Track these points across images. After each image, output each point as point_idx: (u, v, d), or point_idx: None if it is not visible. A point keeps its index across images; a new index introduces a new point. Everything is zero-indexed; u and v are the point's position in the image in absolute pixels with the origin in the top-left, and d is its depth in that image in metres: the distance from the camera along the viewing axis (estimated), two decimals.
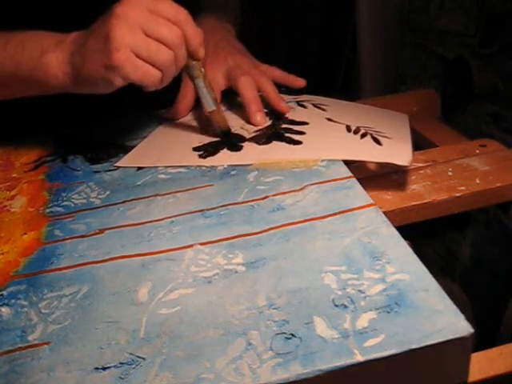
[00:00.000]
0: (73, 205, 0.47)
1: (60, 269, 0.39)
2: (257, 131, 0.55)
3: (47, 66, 0.49)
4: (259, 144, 0.53)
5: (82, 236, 0.42)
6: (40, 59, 0.49)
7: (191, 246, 0.39)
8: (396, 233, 0.38)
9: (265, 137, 0.54)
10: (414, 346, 0.28)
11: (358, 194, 0.43)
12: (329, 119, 0.57)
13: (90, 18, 0.48)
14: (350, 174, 0.46)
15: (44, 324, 0.34)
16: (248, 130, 0.56)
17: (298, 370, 0.28)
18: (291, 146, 0.51)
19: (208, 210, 0.43)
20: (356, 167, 0.49)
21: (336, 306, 0.32)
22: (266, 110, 0.58)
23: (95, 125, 0.65)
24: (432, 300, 0.31)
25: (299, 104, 0.61)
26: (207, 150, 0.53)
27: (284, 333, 0.30)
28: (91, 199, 0.48)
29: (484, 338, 0.47)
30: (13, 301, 0.36)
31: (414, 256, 0.35)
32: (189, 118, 0.61)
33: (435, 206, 0.47)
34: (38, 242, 0.42)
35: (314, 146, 0.51)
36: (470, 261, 0.65)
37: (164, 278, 0.36)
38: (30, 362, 0.31)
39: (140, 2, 0.46)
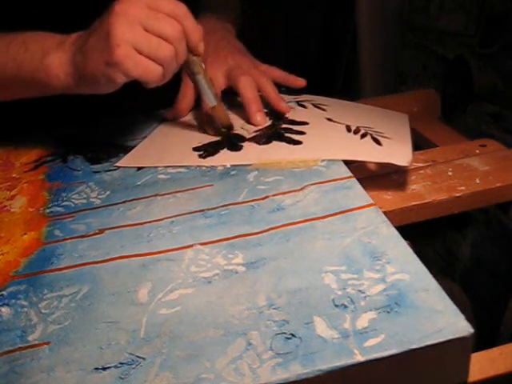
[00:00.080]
0: (73, 205, 0.47)
1: (60, 269, 0.39)
2: (257, 131, 0.55)
3: (49, 68, 0.49)
4: (259, 144, 0.53)
5: (82, 236, 0.42)
6: (42, 60, 0.49)
7: (191, 246, 0.39)
8: (396, 233, 0.38)
9: (265, 137, 0.54)
10: (414, 346, 0.28)
11: (358, 193, 0.43)
12: (329, 119, 0.57)
13: (90, 18, 0.48)
14: (350, 173, 0.46)
15: (44, 324, 0.34)
16: (248, 130, 0.56)
17: (297, 369, 0.28)
18: (291, 146, 0.51)
19: (208, 210, 0.43)
20: (356, 167, 0.49)
21: (336, 306, 0.32)
22: (266, 110, 0.58)
23: (95, 125, 0.65)
24: (432, 300, 0.31)
25: (299, 104, 0.61)
26: (207, 150, 0.53)
27: (284, 333, 0.30)
28: (91, 199, 0.48)
29: (484, 338, 0.47)
30: (13, 301, 0.36)
31: (414, 256, 0.35)
32: (189, 118, 0.61)
33: (435, 206, 0.47)
34: (38, 242, 0.42)
35: (314, 146, 0.51)
36: (470, 261, 0.65)
37: (164, 279, 0.36)
38: (30, 362, 0.31)
39: None
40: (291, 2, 1.18)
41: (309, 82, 0.63)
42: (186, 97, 0.60)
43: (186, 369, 0.29)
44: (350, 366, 0.28)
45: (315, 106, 0.61)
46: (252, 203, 0.43)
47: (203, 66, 0.53)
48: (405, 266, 0.34)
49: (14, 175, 0.54)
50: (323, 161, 0.48)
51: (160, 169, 0.51)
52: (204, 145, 0.54)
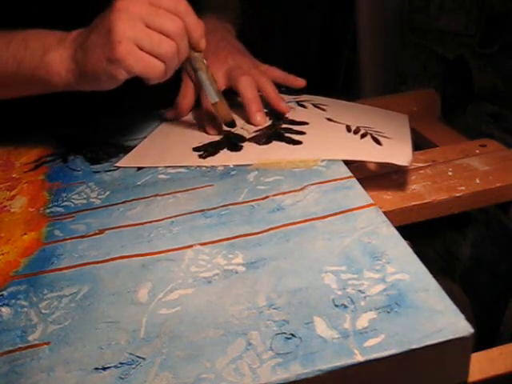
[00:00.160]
0: (73, 205, 0.47)
1: (60, 269, 0.39)
2: (257, 131, 0.55)
3: (49, 65, 0.49)
4: (259, 144, 0.53)
5: (82, 236, 0.42)
6: (42, 58, 0.49)
7: (191, 246, 0.39)
8: (396, 233, 0.38)
9: (265, 137, 0.54)
10: (414, 346, 0.28)
11: (358, 193, 0.43)
12: (329, 119, 0.57)
13: (90, 15, 0.48)
14: (350, 173, 0.46)
15: (44, 324, 0.34)
16: (248, 130, 0.56)
17: (298, 369, 0.28)
18: (291, 146, 0.51)
19: (208, 210, 0.43)
20: (356, 167, 0.49)
21: (336, 305, 0.32)
22: (266, 110, 0.58)
23: (95, 125, 0.65)
24: (432, 300, 0.31)
25: (299, 104, 0.61)
26: (207, 150, 0.53)
27: (284, 333, 0.30)
28: (91, 199, 0.48)
29: (484, 338, 0.47)
30: (13, 301, 0.36)
31: (414, 256, 0.35)
32: (189, 118, 0.61)
33: (435, 206, 0.47)
34: (38, 242, 0.42)
35: (314, 146, 0.51)
36: (470, 261, 0.65)
37: (164, 279, 0.36)
38: (30, 362, 0.31)
39: None
40: (291, 1, 1.18)
41: (309, 82, 0.63)
42: (187, 97, 0.60)
43: (185, 369, 0.29)
44: (350, 365, 0.28)
45: (315, 106, 0.61)
46: (252, 203, 0.43)
47: (205, 62, 0.53)
48: (405, 266, 0.34)
49: (14, 175, 0.54)
50: (323, 161, 0.48)
51: (160, 169, 0.51)
52: (204, 145, 0.54)
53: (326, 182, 0.45)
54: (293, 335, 0.30)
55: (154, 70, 0.46)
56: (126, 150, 0.56)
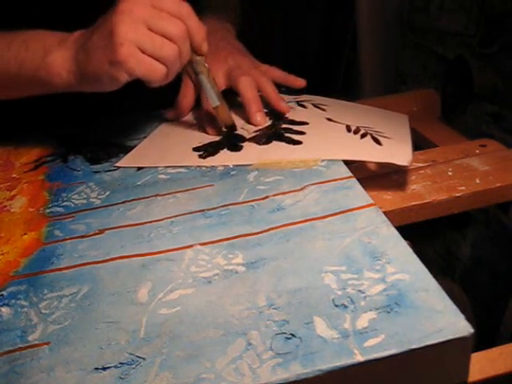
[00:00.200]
0: (73, 205, 0.47)
1: (60, 269, 0.39)
2: (257, 131, 0.55)
3: (51, 65, 0.49)
4: (259, 144, 0.53)
5: (82, 236, 0.42)
6: (43, 58, 0.49)
7: (191, 246, 0.39)
8: (396, 233, 0.38)
9: (265, 137, 0.54)
10: (414, 346, 0.28)
11: (358, 193, 0.43)
12: (329, 119, 0.57)
13: (91, 17, 0.48)
14: (350, 173, 0.46)
15: (44, 324, 0.34)
16: (248, 130, 0.56)
17: (298, 370, 0.28)
18: (291, 146, 0.51)
19: (208, 210, 0.43)
20: (356, 167, 0.49)
21: (336, 306, 0.32)
22: (266, 110, 0.58)
23: (95, 125, 0.65)
24: (432, 300, 0.31)
25: (299, 104, 0.61)
26: (207, 150, 0.53)
27: (284, 333, 0.30)
28: (91, 199, 0.48)
29: (484, 338, 0.47)
30: (13, 301, 0.36)
31: (414, 256, 0.35)
32: (189, 118, 0.61)
33: (435, 206, 0.47)
34: (38, 242, 0.42)
35: (314, 146, 0.51)
36: (470, 261, 0.65)
37: (164, 279, 0.36)
38: (30, 362, 0.31)
39: None
40: (291, 1, 1.18)
41: (309, 82, 0.63)
42: (187, 97, 0.60)
43: (185, 369, 0.29)
44: (350, 365, 0.28)
45: (315, 105, 0.61)
46: (252, 203, 0.43)
47: (206, 65, 0.53)
48: (405, 266, 0.34)
49: (14, 175, 0.54)
50: (323, 161, 0.48)
51: (160, 169, 0.51)
52: (204, 145, 0.54)
53: (326, 182, 0.45)
54: (293, 335, 0.30)
55: (155, 72, 0.46)
56: (126, 150, 0.56)
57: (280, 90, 0.60)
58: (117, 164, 0.53)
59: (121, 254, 0.39)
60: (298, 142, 0.52)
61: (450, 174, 0.50)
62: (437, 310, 0.30)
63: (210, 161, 0.51)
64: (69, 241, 0.42)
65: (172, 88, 0.54)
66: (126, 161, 0.54)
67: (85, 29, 0.49)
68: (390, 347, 0.28)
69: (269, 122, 0.57)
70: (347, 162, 0.48)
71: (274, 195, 0.44)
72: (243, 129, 0.56)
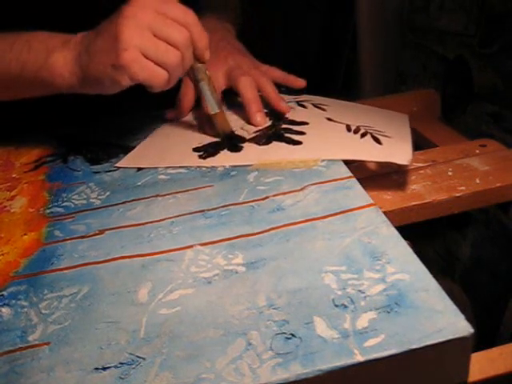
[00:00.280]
0: (73, 205, 0.47)
1: (60, 269, 0.39)
2: (257, 132, 0.55)
3: (53, 66, 0.49)
4: (259, 144, 0.53)
5: (82, 237, 0.42)
6: (46, 59, 0.49)
7: (191, 246, 0.39)
8: (396, 233, 0.38)
9: (265, 137, 0.54)
10: (414, 346, 0.28)
11: (358, 193, 0.43)
12: (329, 119, 0.57)
13: (93, 19, 0.48)
14: (350, 173, 0.46)
15: (44, 324, 0.34)
16: (248, 131, 0.56)
17: (298, 370, 0.28)
18: (291, 146, 0.51)
19: (208, 210, 0.43)
20: (356, 167, 0.49)
21: (336, 305, 0.32)
22: (266, 110, 0.58)
23: (95, 125, 0.65)
24: (432, 300, 0.31)
25: (299, 104, 0.61)
26: (207, 151, 0.53)
27: (284, 333, 0.30)
28: (91, 200, 0.48)
29: (484, 338, 0.47)
30: (13, 301, 0.36)
31: (414, 256, 0.35)
32: (189, 119, 0.61)
33: (435, 206, 0.47)
34: (38, 242, 0.42)
35: (314, 146, 0.51)
36: (470, 261, 0.65)
37: (164, 279, 0.36)
38: (30, 363, 0.31)
39: (148, 3, 0.46)
40: (291, 1, 1.18)
41: (309, 82, 0.63)
42: (187, 97, 0.60)
43: (185, 369, 0.29)
44: (350, 365, 0.28)
45: (315, 105, 0.61)
46: (252, 203, 0.43)
47: (207, 73, 0.53)
48: (405, 266, 0.34)
49: (14, 175, 0.54)
50: (323, 161, 0.48)
51: (160, 169, 0.51)
52: (204, 145, 0.54)
53: (326, 182, 0.45)
54: (293, 335, 0.30)
55: (157, 78, 0.46)
56: (126, 150, 0.56)
57: (280, 90, 0.60)
58: (117, 164, 0.54)
59: (121, 255, 0.39)
60: (298, 142, 0.52)
61: (449, 174, 0.50)
62: (437, 310, 0.30)
63: (210, 161, 0.51)
64: (69, 241, 0.42)
65: (172, 88, 0.54)
66: (126, 161, 0.54)
67: (87, 30, 0.49)
68: (389, 347, 0.28)
69: (269, 123, 0.57)
70: (347, 162, 0.48)
71: (274, 195, 0.44)
72: (243, 129, 0.56)
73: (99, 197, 0.48)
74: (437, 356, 0.29)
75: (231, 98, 0.61)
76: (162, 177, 0.50)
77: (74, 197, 0.48)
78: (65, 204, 0.47)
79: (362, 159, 0.49)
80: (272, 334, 0.30)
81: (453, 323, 0.29)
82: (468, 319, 0.29)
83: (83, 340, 0.32)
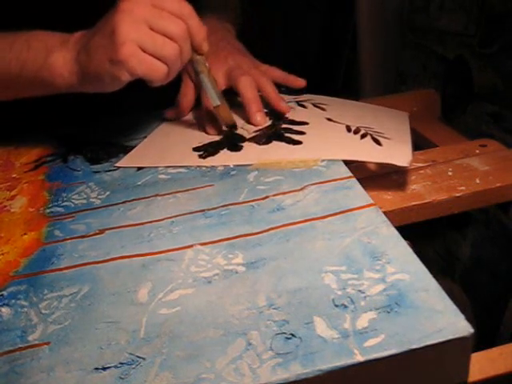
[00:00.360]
0: (73, 205, 0.47)
1: (60, 269, 0.39)
2: (257, 131, 0.55)
3: (53, 66, 0.49)
4: (259, 144, 0.53)
5: (82, 236, 0.42)
6: (45, 59, 0.49)
7: (191, 246, 0.39)
8: (396, 233, 0.38)
9: (265, 137, 0.54)
10: (414, 346, 0.28)
11: (358, 193, 0.43)
12: (329, 119, 0.57)
13: (91, 18, 0.48)
14: (350, 173, 0.46)
15: (44, 324, 0.34)
16: (248, 130, 0.56)
17: (298, 370, 0.28)
18: (291, 146, 0.51)
19: (208, 210, 0.43)
20: (356, 167, 0.49)
21: (336, 305, 0.32)
22: (266, 110, 0.58)
23: (95, 125, 0.65)
24: (432, 300, 0.31)
25: (299, 104, 0.61)
26: (207, 150, 0.53)
27: (284, 333, 0.30)
28: (91, 199, 0.48)
29: (484, 338, 0.47)
30: (13, 301, 0.36)
31: (414, 256, 0.35)
32: (189, 118, 0.61)
33: (435, 206, 0.47)
34: (38, 242, 0.42)
35: (314, 146, 0.51)
36: (470, 261, 0.65)
37: (164, 279, 0.36)
38: (30, 362, 0.31)
39: None
40: (291, 1, 1.18)
41: (309, 82, 0.63)
42: (187, 96, 0.60)
43: (185, 369, 0.29)
44: (350, 365, 0.28)
45: (315, 105, 0.61)
46: (252, 203, 0.43)
47: (207, 65, 0.53)
48: (405, 266, 0.34)
49: (14, 175, 0.54)
50: (323, 161, 0.48)
51: (160, 169, 0.51)
52: (204, 145, 0.54)
53: (326, 181, 0.45)
54: (293, 335, 0.30)
55: (156, 72, 0.46)
56: (126, 150, 0.56)
57: (280, 90, 0.60)
58: (117, 164, 0.53)
59: (121, 254, 0.39)
60: (298, 142, 0.52)
61: (449, 174, 0.50)
62: (437, 310, 0.30)
63: (210, 161, 0.51)
64: (69, 241, 0.42)
65: (172, 88, 0.54)
66: (126, 161, 0.54)
67: (85, 30, 0.49)
68: (389, 347, 0.28)
69: (269, 122, 0.57)
70: (347, 162, 0.48)
71: (274, 195, 0.44)
72: (243, 129, 0.56)
73: (99, 196, 0.48)
74: (437, 356, 0.29)
75: (231, 97, 0.61)
76: (162, 176, 0.50)
77: (73, 196, 0.48)
78: (65, 204, 0.47)
79: (361, 160, 0.49)
80: (272, 334, 0.30)
81: (453, 323, 0.29)
82: (468, 319, 0.29)
83: (83, 340, 0.32)
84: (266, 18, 1.15)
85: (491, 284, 0.62)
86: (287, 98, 0.62)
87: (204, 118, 0.58)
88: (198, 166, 0.50)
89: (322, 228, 0.39)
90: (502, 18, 0.59)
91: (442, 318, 0.30)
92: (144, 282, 0.36)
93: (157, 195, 0.47)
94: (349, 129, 0.54)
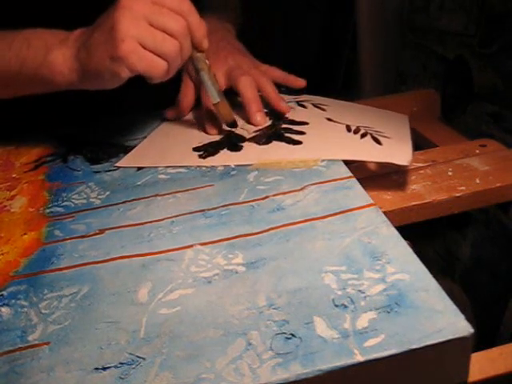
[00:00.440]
0: (73, 205, 0.47)
1: (60, 269, 0.39)
2: (257, 131, 0.55)
3: (52, 64, 0.49)
4: (259, 144, 0.53)
5: (82, 236, 0.42)
6: (45, 57, 0.49)
7: (191, 246, 0.39)
8: (396, 233, 0.38)
9: (265, 137, 0.54)
10: (414, 346, 0.28)
11: (358, 194, 0.43)
12: (329, 119, 0.57)
13: (91, 15, 0.48)
14: (350, 173, 0.46)
15: (44, 324, 0.34)
16: (248, 130, 0.56)
17: (298, 369, 0.28)
18: (291, 146, 0.51)
19: (208, 210, 0.43)
20: (356, 167, 0.49)
21: (336, 306, 0.32)
22: (266, 110, 0.58)
23: (95, 125, 0.65)
24: (432, 300, 0.31)
25: (299, 104, 0.61)
26: (207, 150, 0.53)
27: (284, 333, 0.30)
28: (91, 199, 0.48)
29: (484, 338, 0.47)
30: (13, 301, 0.36)
31: (414, 256, 0.35)
32: (189, 118, 0.61)
33: (435, 206, 0.47)
34: (38, 242, 0.42)
35: (314, 146, 0.51)
36: (470, 261, 0.65)
37: (164, 279, 0.36)
38: (30, 362, 0.31)
39: None
40: (291, 1, 1.18)
41: (309, 82, 0.63)
42: (187, 96, 0.60)
43: (185, 369, 0.29)
44: (350, 365, 0.28)
45: (315, 105, 0.61)
46: (252, 203, 0.43)
47: (207, 62, 0.53)
48: (405, 266, 0.34)
49: (14, 175, 0.54)
50: (323, 161, 0.48)
51: (160, 169, 0.51)
52: (204, 145, 0.54)
53: (326, 182, 0.45)
54: (293, 335, 0.30)
55: (156, 68, 0.46)
56: (126, 149, 0.56)
57: (280, 90, 0.61)
58: (117, 164, 0.53)
59: (121, 254, 0.39)
60: (298, 142, 0.52)
61: (449, 174, 0.50)
62: (437, 310, 0.30)
63: (210, 161, 0.51)
64: (69, 241, 0.42)
65: (172, 87, 0.54)
66: (126, 161, 0.54)
67: (85, 27, 0.49)
68: (389, 347, 0.28)
69: (269, 122, 0.57)
70: (347, 162, 0.48)
71: (274, 195, 0.44)
72: (243, 129, 0.56)
73: (99, 196, 0.48)
74: (437, 356, 0.29)
75: (231, 97, 0.61)
76: (162, 176, 0.50)
77: (73, 196, 0.48)
78: (65, 204, 0.47)
79: (361, 159, 0.49)
80: (272, 334, 0.30)
81: (453, 323, 0.29)
82: (468, 319, 0.29)
83: (83, 340, 0.32)
84: (265, 18, 1.15)
85: (491, 284, 0.62)
86: (287, 97, 0.62)
87: (204, 118, 0.58)
88: (198, 166, 0.50)
89: (321, 228, 0.39)
90: (502, 18, 0.59)
91: (441, 318, 0.30)
92: (144, 282, 0.36)
93: (157, 195, 0.47)
94: (349, 128, 0.54)
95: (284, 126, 0.56)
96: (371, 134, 0.52)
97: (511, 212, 0.57)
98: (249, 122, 0.57)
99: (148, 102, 0.61)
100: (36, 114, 0.62)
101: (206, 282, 0.35)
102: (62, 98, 0.52)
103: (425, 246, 0.72)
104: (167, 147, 0.55)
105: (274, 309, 0.32)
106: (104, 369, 0.30)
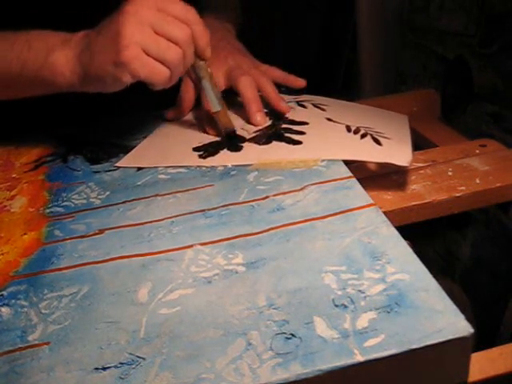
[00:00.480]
0: (73, 205, 0.47)
1: (60, 269, 0.39)
2: (257, 131, 0.55)
3: (54, 65, 0.49)
4: (259, 144, 0.53)
5: (82, 236, 0.42)
6: (46, 58, 0.49)
7: (191, 246, 0.39)
8: (396, 233, 0.38)
9: (265, 137, 0.54)
10: (414, 346, 0.28)
11: (358, 193, 0.43)
12: (329, 119, 0.57)
13: (94, 18, 0.48)
14: (350, 173, 0.46)
15: (44, 324, 0.34)
16: (248, 130, 0.56)
17: (298, 370, 0.28)
18: (291, 146, 0.51)
19: (208, 210, 0.43)
20: (356, 167, 0.49)
21: (336, 305, 0.32)
22: (266, 110, 0.58)
23: (95, 125, 0.65)
24: (432, 300, 0.31)
25: (299, 104, 0.61)
26: (207, 150, 0.53)
27: (284, 333, 0.30)
28: (91, 199, 0.48)
29: (484, 338, 0.47)
30: (13, 301, 0.36)
31: (414, 256, 0.35)
32: (189, 118, 0.61)
33: (435, 206, 0.47)
34: (38, 242, 0.42)
35: (314, 146, 0.51)
36: (470, 261, 0.65)
37: (164, 279, 0.36)
38: (30, 362, 0.31)
39: (149, 0, 0.46)
40: (291, 1, 1.18)
41: (309, 82, 0.63)
42: (187, 96, 0.60)
43: (185, 369, 0.29)
44: (350, 365, 0.28)
45: (315, 105, 0.61)
46: (252, 203, 0.43)
47: (209, 70, 0.53)
48: (405, 266, 0.34)
49: (14, 175, 0.54)
50: (323, 161, 0.48)
51: (160, 169, 0.51)
52: (204, 145, 0.54)
53: (326, 181, 0.45)
54: (293, 335, 0.30)
55: (159, 75, 0.46)
56: (126, 150, 0.56)
57: (280, 90, 0.60)
58: (117, 164, 0.53)
59: (121, 254, 0.39)
60: (298, 142, 0.52)
61: (449, 173, 0.50)
62: (437, 310, 0.30)
63: (210, 161, 0.51)
64: (69, 241, 0.42)
65: (172, 88, 0.54)
66: (126, 161, 0.54)
67: (88, 29, 0.49)
68: (389, 347, 0.28)
69: (269, 122, 0.57)
70: (347, 162, 0.48)
71: (274, 195, 0.44)
72: (243, 129, 0.56)
73: (99, 196, 0.48)
74: (437, 356, 0.29)
75: (231, 97, 0.61)
76: (162, 176, 0.50)
77: (73, 196, 0.48)
78: (65, 204, 0.47)
79: (361, 160, 0.49)
80: (272, 334, 0.30)
81: (453, 323, 0.29)
82: (468, 319, 0.29)
83: (83, 340, 0.32)
84: (265, 18, 1.15)
85: (491, 284, 0.62)
86: (287, 97, 0.62)
87: (204, 119, 0.58)
88: (198, 166, 0.50)
89: (321, 228, 0.39)
90: (502, 18, 0.59)
91: (441, 318, 0.30)
92: (144, 282, 0.36)
93: (157, 195, 0.47)
94: (349, 129, 0.54)
95: (284, 126, 0.56)
96: (371, 135, 0.52)
97: (511, 212, 0.57)
98: (249, 122, 0.57)
99: (148, 102, 0.61)
100: (36, 114, 0.62)
101: (205, 281, 0.35)
102: (62, 98, 0.52)
103: (425, 246, 0.72)
104: (167, 147, 0.55)
105: (274, 309, 0.32)
106: (104, 369, 0.30)
